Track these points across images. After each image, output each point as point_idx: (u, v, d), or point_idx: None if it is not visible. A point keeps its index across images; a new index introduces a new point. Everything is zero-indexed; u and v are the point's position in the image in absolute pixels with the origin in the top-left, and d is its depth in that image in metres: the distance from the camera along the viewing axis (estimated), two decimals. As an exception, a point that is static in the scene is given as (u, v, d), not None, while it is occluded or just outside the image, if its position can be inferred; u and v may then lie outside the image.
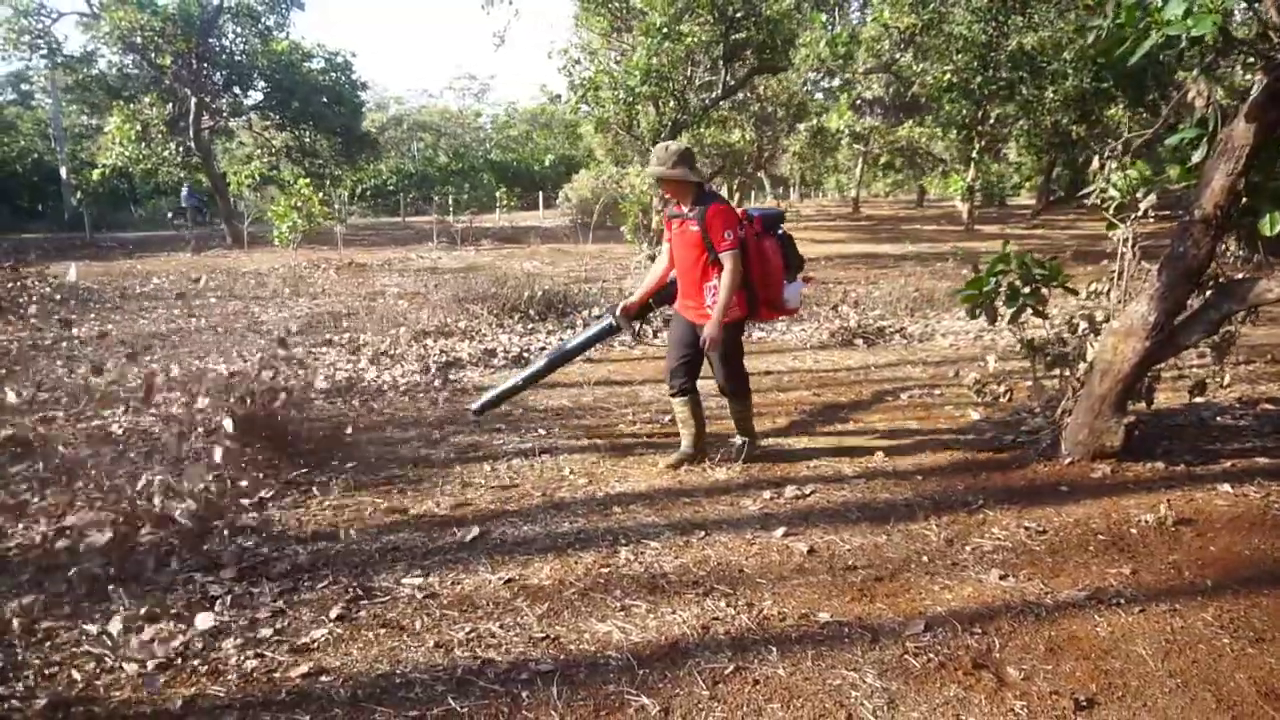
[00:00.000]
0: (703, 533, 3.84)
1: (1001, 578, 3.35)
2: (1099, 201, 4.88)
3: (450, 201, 32.10)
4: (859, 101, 25.32)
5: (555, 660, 2.84)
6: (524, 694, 2.67)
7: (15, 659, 2.86)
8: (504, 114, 55.20)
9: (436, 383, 6.91)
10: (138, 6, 21.22)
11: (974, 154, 21.28)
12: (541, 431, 5.54)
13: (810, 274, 13.80)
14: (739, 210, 4.59)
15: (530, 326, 9.25)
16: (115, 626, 3.06)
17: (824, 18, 14.01)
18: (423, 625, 3.09)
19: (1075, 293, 4.93)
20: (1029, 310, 4.54)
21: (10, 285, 11.90)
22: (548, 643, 2.95)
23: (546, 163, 29.44)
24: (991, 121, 20.38)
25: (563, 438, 5.41)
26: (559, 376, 7.13)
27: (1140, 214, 4.68)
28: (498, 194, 32.61)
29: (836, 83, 23.20)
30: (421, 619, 3.13)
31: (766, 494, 4.29)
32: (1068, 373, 4.88)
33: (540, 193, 36.52)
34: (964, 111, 19.31)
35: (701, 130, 19.49)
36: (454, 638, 2.99)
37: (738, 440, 4.86)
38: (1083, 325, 5.00)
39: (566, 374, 7.24)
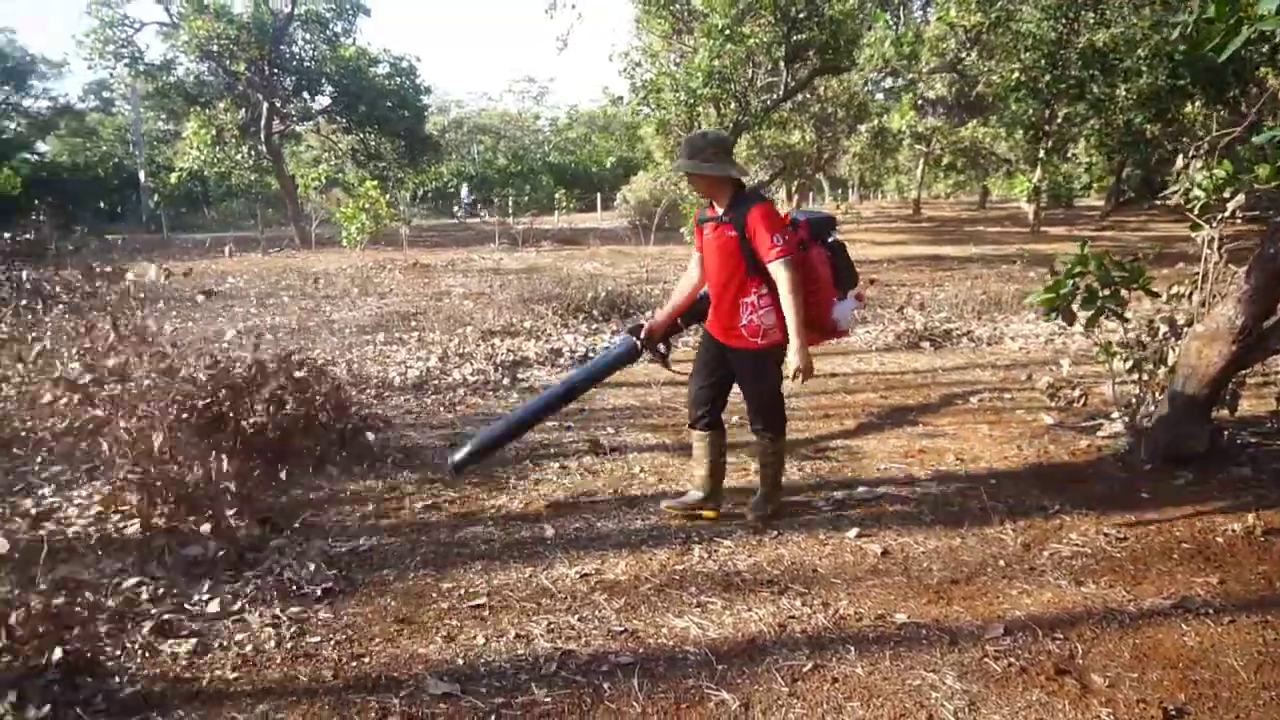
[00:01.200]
0: (774, 532, 3.87)
1: (1081, 584, 3.31)
2: (1183, 202, 4.76)
3: (510, 203, 32.49)
4: (921, 101, 24.97)
5: (634, 653, 2.90)
6: (605, 685, 2.73)
7: (119, 636, 3.02)
8: (564, 117, 55.66)
9: (505, 380, 7.04)
10: (215, 16, 21.96)
11: (1041, 154, 20.81)
12: (610, 430, 5.61)
13: (874, 277, 13.70)
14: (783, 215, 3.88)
15: (594, 327, 9.35)
16: (214, 608, 3.22)
17: (887, 17, 13.83)
18: (504, 617, 3.17)
19: (1156, 295, 4.82)
20: (1107, 313, 4.46)
21: (96, 284, 12.43)
22: (626, 636, 3.01)
23: (607, 165, 29.65)
24: (1059, 121, 19.92)
25: (631, 436, 5.48)
26: (624, 375, 7.19)
27: (1227, 215, 4.56)
28: (557, 196, 32.91)
29: (898, 83, 22.94)
30: (502, 610, 3.21)
31: (838, 494, 4.29)
32: (1147, 377, 4.78)
33: (598, 194, 36.76)
34: (1031, 111, 18.91)
35: (761, 132, 19.47)
36: (534, 629, 3.06)
37: (678, 503, 4.12)
38: (1163, 329, 4.89)
39: (632, 373, 7.30)
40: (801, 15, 14.35)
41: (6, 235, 12.80)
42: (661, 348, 4.25)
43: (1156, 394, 4.64)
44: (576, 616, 3.15)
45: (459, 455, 4.44)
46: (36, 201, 14.78)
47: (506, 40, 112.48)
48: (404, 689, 2.73)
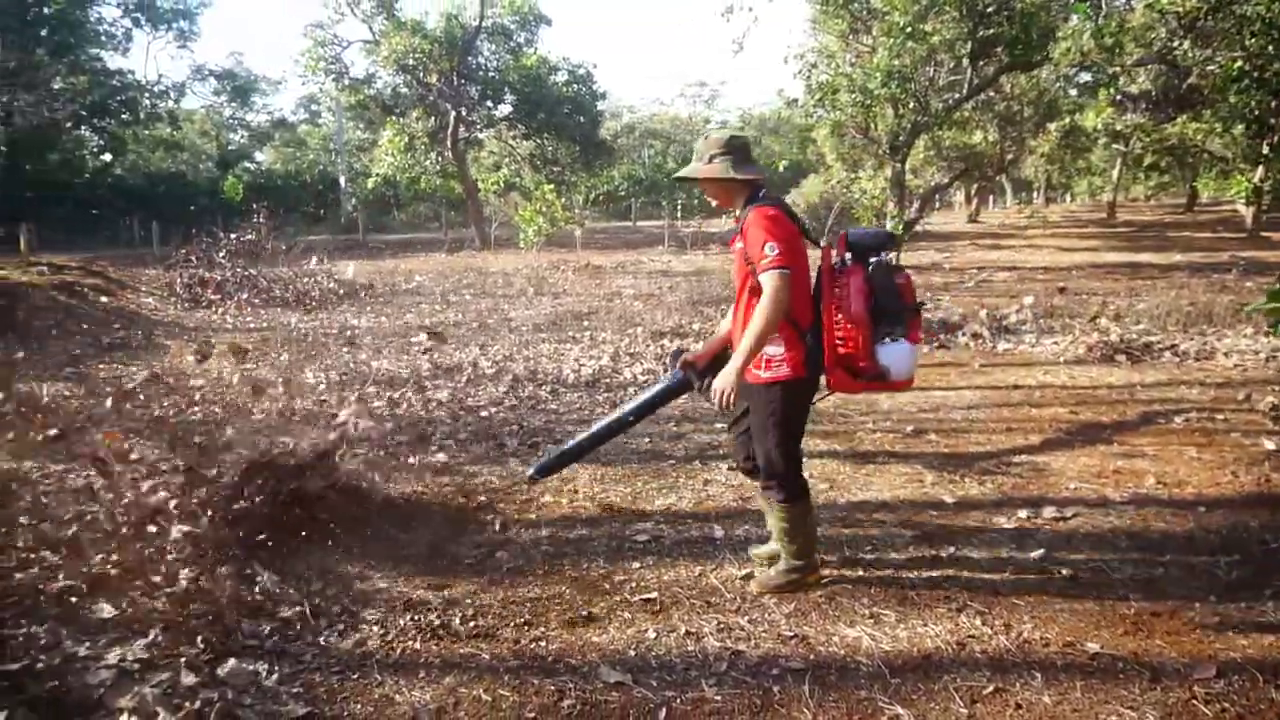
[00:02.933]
0: (953, 548, 3.72)
1: (1309, 628, 2.99)
2: None
3: (678, 207, 32.81)
4: (1120, 97, 23.11)
5: (805, 659, 2.88)
6: (775, 689, 2.72)
7: (316, 609, 3.30)
8: (736, 120, 55.56)
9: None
10: (411, 31, 23.52)
11: (1265, 151, 18.76)
12: (778, 435, 5.57)
13: (1062, 285, 12.86)
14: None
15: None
16: (396, 589, 3.47)
17: (1086, 7, 12.89)
18: (675, 613, 3.22)
19: None
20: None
21: (304, 281, 13.63)
22: (796, 641, 2.99)
23: (779, 169, 29.31)
24: (1288, 114, 17.87)
25: (802, 442, 5.41)
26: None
27: None
28: (725, 199, 32.86)
29: (1095, 77, 21.32)
30: (673, 606, 3.27)
31: (1022, 513, 4.07)
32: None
33: (767, 197, 36.38)
34: (1255, 103, 17.07)
35: (941, 133, 18.69)
36: (704, 627, 3.10)
37: (764, 551, 3.55)
38: None
39: (801, 379, 7.23)
40: (989, 9, 13.66)
41: (233, 236, 14.25)
42: (707, 380, 3.22)
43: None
44: (746, 618, 3.16)
45: (535, 466, 3.91)
46: (254, 206, 16.45)
47: (680, 45, 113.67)
48: (578, 674, 2.83)
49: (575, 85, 28.15)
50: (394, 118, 26.19)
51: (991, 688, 2.68)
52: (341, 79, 26.30)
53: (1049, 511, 4.08)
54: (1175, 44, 14.70)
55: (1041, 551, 3.63)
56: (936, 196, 23.27)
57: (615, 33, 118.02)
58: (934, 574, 3.47)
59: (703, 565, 3.62)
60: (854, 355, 3.07)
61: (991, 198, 39.56)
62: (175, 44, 35.67)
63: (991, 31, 13.90)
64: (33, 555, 3.42)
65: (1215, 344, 8.12)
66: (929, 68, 14.52)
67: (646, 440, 5.51)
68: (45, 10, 27.21)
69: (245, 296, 12.09)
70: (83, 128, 30.24)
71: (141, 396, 6.29)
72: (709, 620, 3.15)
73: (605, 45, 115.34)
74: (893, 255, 3.31)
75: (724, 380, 3.02)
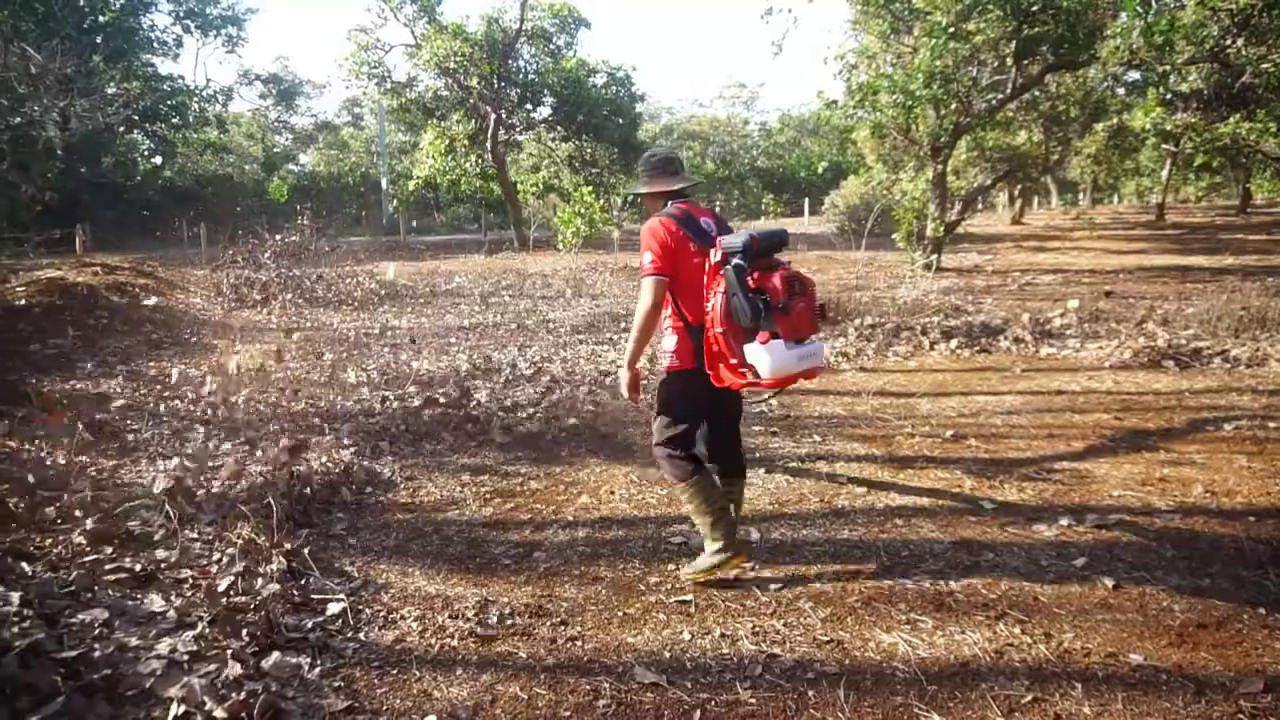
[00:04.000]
0: (992, 554, 3.68)
1: (1363, 643, 2.91)
2: None
3: (717, 208, 32.77)
4: (1170, 96, 22.58)
5: (840, 664, 2.87)
6: (810, 693, 2.72)
7: (358, 605, 3.37)
8: (776, 121, 55.40)
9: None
10: (452, 35, 23.76)
11: (1321, 151, 18.22)
12: (817, 439, 5.55)
13: (1108, 288, 12.62)
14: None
15: (800, 333, 9.24)
16: (434, 587, 3.52)
17: (1136, 4, 12.61)
18: (710, 615, 3.23)
19: None
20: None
21: (346, 282, 13.85)
22: (832, 646, 2.98)
23: (818, 170, 29.14)
24: (1347, 113, 17.36)
25: (839, 446, 5.39)
26: (832, 384, 7.11)
27: None
28: (764, 201, 32.79)
29: (1145, 76, 20.84)
30: (708, 609, 3.28)
31: (1064, 521, 4.01)
32: None
33: (806, 200, 36.27)
34: (1311, 102, 16.62)
35: (983, 133, 18.41)
36: (739, 630, 3.11)
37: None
38: None
39: (840, 382, 7.20)
40: (1034, 8, 13.42)
41: (278, 237, 14.52)
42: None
43: None
44: (781, 622, 3.16)
45: None
46: (298, 208, 16.75)
47: (720, 47, 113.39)
48: (613, 674, 2.86)
49: (614, 87, 28.21)
50: (435, 120, 26.46)
51: (1030, 697, 2.65)
52: (384, 82, 26.66)
53: (1092, 519, 4.02)
54: (1228, 42, 14.34)
55: (1084, 560, 3.58)
56: (979, 198, 22.93)
57: (655, 34, 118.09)
58: (972, 581, 3.44)
59: (739, 568, 3.62)
60: (723, 354, 3.20)
61: (1036, 199, 38.89)
62: (224, 49, 36.40)
63: (1036, 30, 13.68)
64: (89, 547, 3.54)
65: (1268, 350, 7.91)
66: (971, 68, 14.34)
67: (683, 442, 5.51)
68: (100, 18, 27.95)
69: (289, 297, 12.32)
70: (135, 132, 31.00)
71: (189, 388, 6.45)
72: (744, 623, 3.15)
73: (644, 47, 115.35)
74: (783, 256, 3.41)
75: (622, 373, 3.45)
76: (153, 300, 10.59)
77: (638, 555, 3.81)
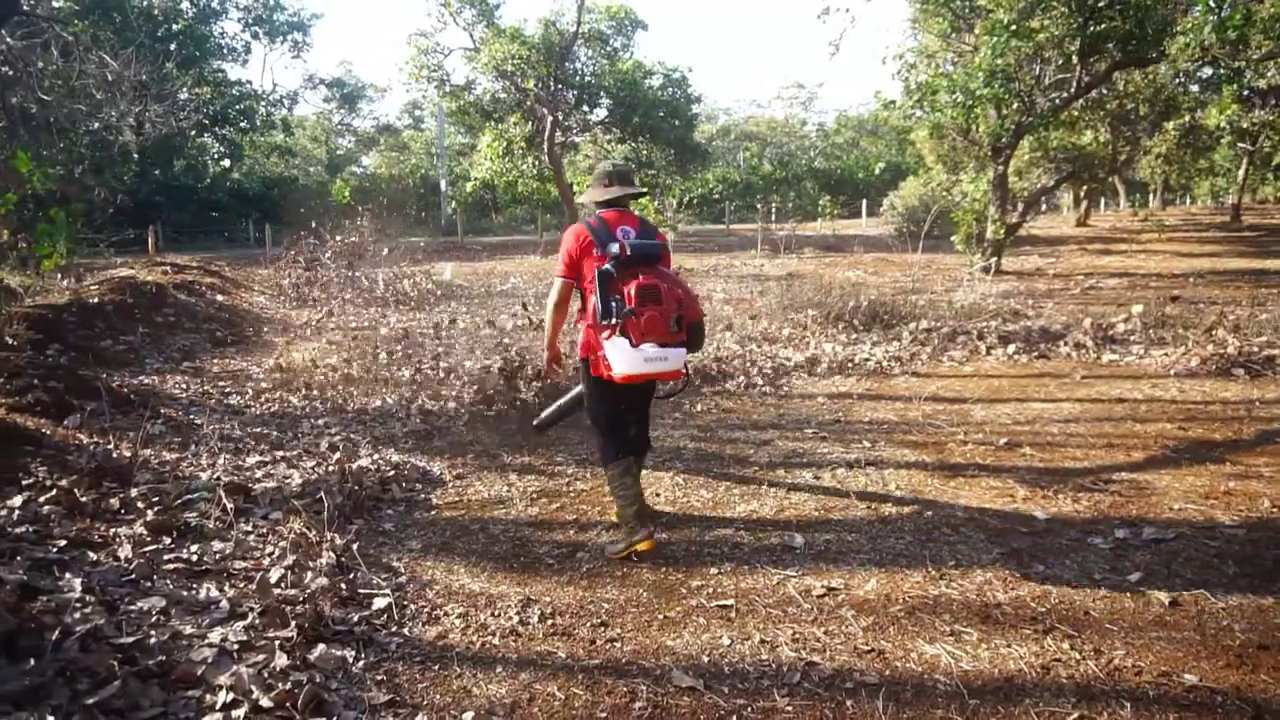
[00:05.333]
0: (1042, 566, 3.59)
1: None
2: None
3: (773, 210, 32.57)
4: (1246, 93, 21.72)
5: (880, 675, 2.83)
6: (849, 703, 2.69)
7: (403, 600, 3.43)
8: (833, 122, 54.84)
9: (766, 388, 7.09)
10: (510, 38, 24.05)
11: None
12: (866, 444, 5.48)
13: (1175, 293, 12.20)
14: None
15: (854, 336, 9.15)
16: (478, 585, 3.57)
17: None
18: (750, 621, 3.22)
19: None
20: None
21: (404, 280, 14.09)
22: (873, 655, 2.95)
23: (876, 171, 28.75)
24: None
25: (888, 452, 5.32)
26: (886, 389, 7.01)
27: None
28: (821, 203, 32.47)
29: (1219, 72, 20.06)
30: (748, 614, 3.27)
31: (1120, 533, 3.90)
32: None
33: (864, 201, 35.82)
34: (1398, 99, 15.85)
35: (1047, 133, 17.97)
36: (779, 636, 3.09)
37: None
38: None
39: (893, 387, 7.10)
40: (1101, 4, 13.07)
41: (339, 238, 14.86)
42: None
43: None
44: (822, 629, 3.13)
45: (539, 418, 5.03)
46: (359, 209, 17.17)
47: (778, 47, 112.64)
48: (651, 677, 2.86)
49: (670, 89, 28.26)
50: (492, 123, 26.83)
51: (1076, 715, 2.58)
52: (443, 85, 27.13)
53: (1149, 532, 3.89)
54: (1309, 36, 13.77)
55: (1139, 574, 3.47)
56: (1042, 200, 22.35)
57: (713, 35, 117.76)
58: (1021, 593, 3.36)
59: (781, 573, 3.60)
60: (593, 346, 3.69)
61: (1102, 201, 37.80)
62: (290, 54, 37.48)
63: (1103, 27, 13.30)
64: (149, 537, 3.67)
65: (1347, 359, 7.56)
66: (1035, 66, 14.00)
67: (731, 447, 5.50)
68: (174, 27, 28.97)
69: (347, 296, 12.60)
70: (205, 135, 32.05)
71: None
72: (784, 630, 3.13)
73: (703, 48, 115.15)
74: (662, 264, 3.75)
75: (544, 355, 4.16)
76: (219, 298, 10.93)
77: (680, 558, 3.81)
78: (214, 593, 3.26)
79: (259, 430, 5.71)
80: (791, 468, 5.04)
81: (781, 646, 3.02)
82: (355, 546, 3.81)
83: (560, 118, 25.96)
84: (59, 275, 10.21)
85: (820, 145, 54.32)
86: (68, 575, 3.15)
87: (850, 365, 7.87)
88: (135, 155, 27.41)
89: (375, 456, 5.07)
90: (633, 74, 26.97)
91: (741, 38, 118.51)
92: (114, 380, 6.50)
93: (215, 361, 8.10)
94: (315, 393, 6.78)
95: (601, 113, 28.38)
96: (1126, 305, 10.66)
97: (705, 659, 2.96)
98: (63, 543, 3.44)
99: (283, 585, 3.34)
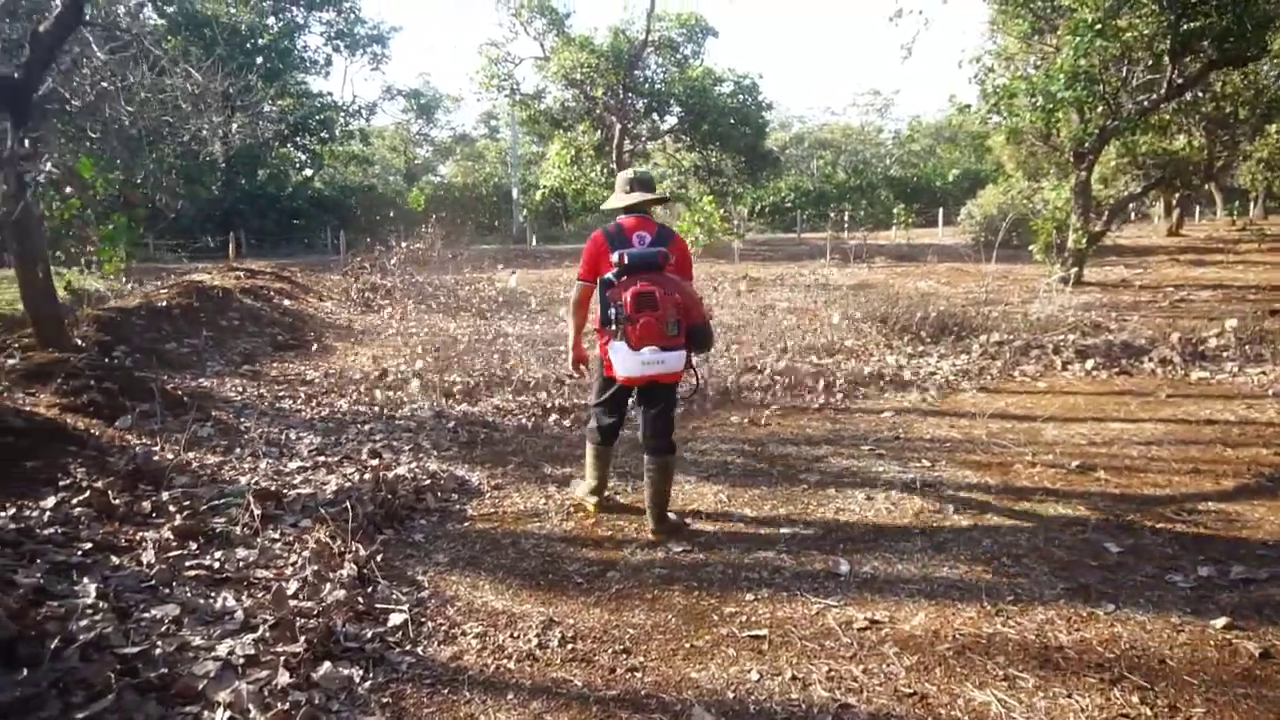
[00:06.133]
0: (1113, 605, 3.26)
1: None
2: None
3: (845, 218, 31.95)
4: (1360, 94, 20.31)
5: (922, 722, 2.57)
6: (884, 752, 2.44)
7: (421, 617, 3.30)
8: (908, 129, 53.72)
9: (824, 401, 6.81)
10: (579, 47, 24.16)
11: None
12: (925, 463, 5.17)
13: (1277, 306, 11.40)
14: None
15: (920, 349, 8.76)
16: (501, 603, 3.41)
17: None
18: (783, 654, 2.99)
19: None
20: None
21: (468, 288, 14.19)
22: (915, 700, 2.68)
23: (951, 178, 27.97)
24: None
25: (948, 472, 4.99)
26: (949, 404, 6.67)
27: None
28: (895, 211, 31.73)
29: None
30: (782, 647, 3.03)
31: (1205, 571, 3.53)
32: None
33: (940, 209, 34.86)
34: None
35: (1135, 137, 17.07)
36: (813, 674, 2.85)
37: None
38: None
39: (959, 403, 6.74)
40: (1194, 0, 12.34)
41: (405, 245, 15.06)
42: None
43: None
44: (861, 667, 2.88)
45: None
46: (432, 216, 17.47)
47: (853, 54, 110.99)
48: (670, 712, 2.66)
49: (741, 96, 28.00)
50: (561, 131, 26.99)
51: (1145, 780, 2.28)
52: (513, 94, 27.42)
53: (1238, 571, 3.51)
54: None
55: (1225, 619, 3.11)
56: (1130, 208, 21.31)
57: (786, 42, 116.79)
58: (1087, 635, 3.04)
59: (822, 602, 3.35)
60: (602, 347, 3.96)
61: (1197, 209, 35.96)
62: (369, 66, 38.44)
63: (1197, 24, 12.54)
64: (175, 542, 3.63)
65: None
66: (1122, 67, 13.30)
67: (781, 463, 5.25)
68: (259, 42, 30.00)
69: (411, 304, 12.72)
70: (287, 145, 33.07)
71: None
72: (819, 666, 2.89)
73: (776, 55, 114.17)
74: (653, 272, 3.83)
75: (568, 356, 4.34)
76: (285, 303, 11.13)
77: (715, 582, 3.59)
78: (230, 602, 3.19)
79: (305, 435, 5.70)
80: (843, 487, 4.76)
81: (815, 685, 2.78)
82: (380, 558, 3.71)
83: (629, 126, 25.95)
84: (123, 278, 10.49)
85: (896, 153, 53.20)
86: (85, 580, 3.11)
87: (915, 379, 7.51)
88: (223, 165, 28.43)
89: (413, 465, 4.99)
90: (703, 81, 26.79)
91: (815, 45, 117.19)
92: (171, 382, 6.61)
93: (274, 365, 8.20)
94: (365, 397, 6.77)
95: (671, 120, 28.28)
96: (1219, 319, 9.99)
97: (730, 694, 2.75)
98: (88, 545, 3.43)
99: (300, 596, 3.25)
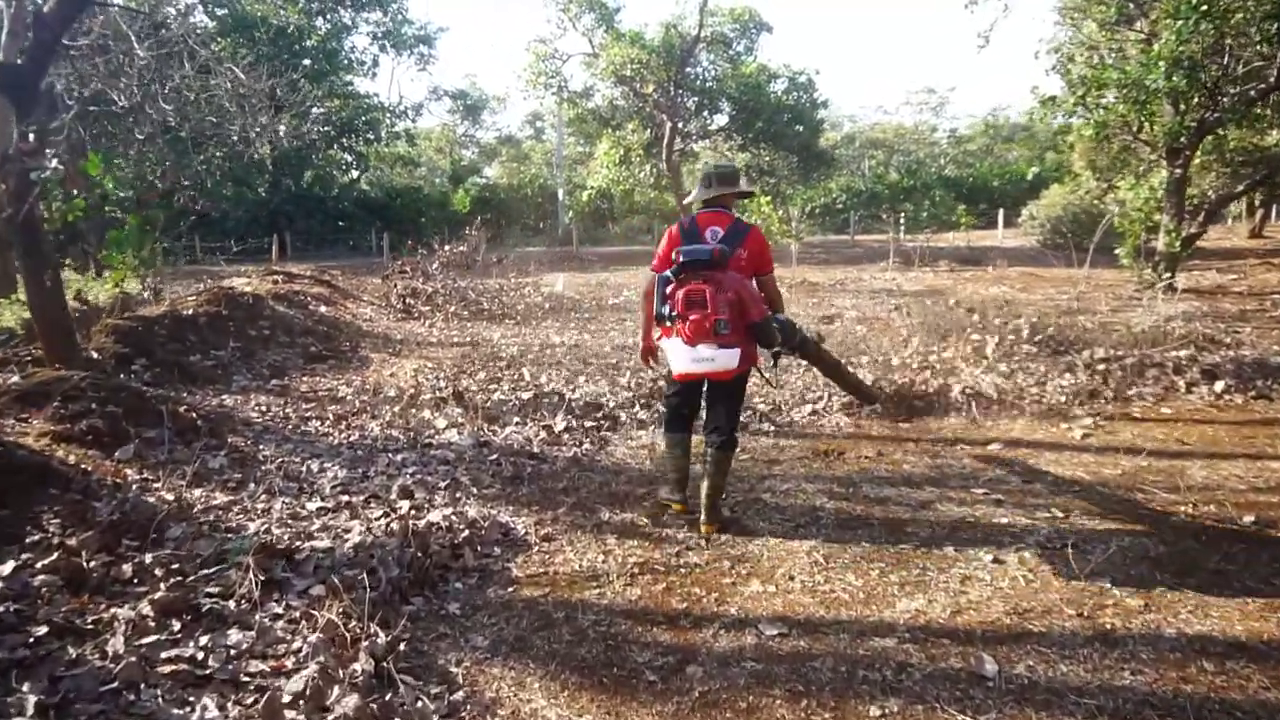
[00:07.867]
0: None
1: None
2: None
3: (902, 220, 30.77)
4: None
5: None
6: None
7: None
8: (965, 128, 52.15)
9: (913, 427, 5.96)
10: (629, 43, 23.45)
11: None
12: (1056, 512, 4.29)
13: None
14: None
15: (1013, 366, 7.81)
16: (555, 712, 2.64)
17: None
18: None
19: None
20: None
21: (512, 293, 13.53)
22: None
23: (1029, 176, 26.67)
24: None
25: (1088, 523, 4.13)
26: (1064, 435, 5.77)
27: None
28: (957, 213, 30.46)
29: None
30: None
31: None
32: None
33: (1000, 210, 33.48)
34: None
35: (1226, 133, 15.80)
36: None
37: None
38: None
39: (1072, 434, 5.83)
40: (1311, -22, 11.17)
41: (447, 247, 14.47)
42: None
43: None
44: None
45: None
46: (477, 218, 16.94)
47: (906, 52, 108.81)
48: None
49: (795, 93, 27.06)
50: (610, 130, 26.31)
51: None
52: (561, 92, 26.80)
53: None
54: None
55: None
56: (1225, 208, 19.91)
57: (839, 38, 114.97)
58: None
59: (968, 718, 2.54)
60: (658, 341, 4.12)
61: (1273, 210, 34.05)
62: (416, 67, 38.18)
63: (1313, 6, 11.35)
64: (154, 622, 2.94)
65: None
66: (1226, 54, 12.14)
67: (880, 509, 4.43)
68: (307, 42, 29.82)
69: (452, 310, 12.08)
70: (333, 147, 32.90)
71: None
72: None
73: (828, 52, 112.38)
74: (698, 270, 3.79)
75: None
76: (321, 310, 10.56)
77: (826, 684, 2.80)
78: (211, 712, 2.48)
79: (329, 465, 5.03)
80: (962, 544, 3.93)
81: None
82: (404, 645, 2.98)
83: (679, 124, 25.16)
84: (141, 284, 9.97)
85: (951, 152, 51.65)
86: (25, 686, 2.43)
87: (1018, 402, 6.61)
88: (270, 167, 28.29)
89: (448, 511, 4.26)
90: (756, 78, 25.91)
91: (868, 43, 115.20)
92: (188, 401, 5.99)
93: (304, 379, 7.59)
94: (399, 420, 6.09)
95: (722, 119, 27.42)
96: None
97: None
98: (43, 630, 2.75)
99: (299, 706, 2.53)
